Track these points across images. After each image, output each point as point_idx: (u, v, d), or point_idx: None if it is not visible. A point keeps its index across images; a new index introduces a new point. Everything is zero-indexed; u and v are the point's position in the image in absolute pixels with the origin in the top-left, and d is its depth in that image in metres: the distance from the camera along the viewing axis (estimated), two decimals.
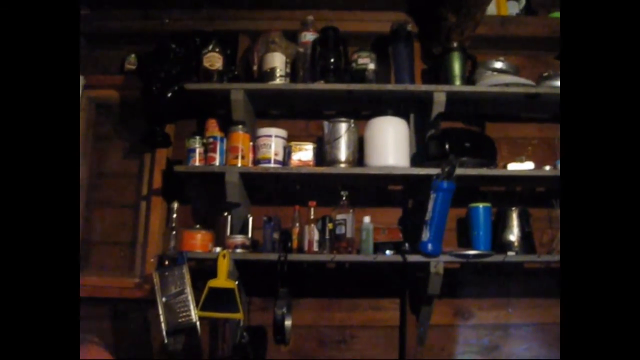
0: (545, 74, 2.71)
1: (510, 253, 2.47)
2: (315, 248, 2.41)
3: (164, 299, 2.33)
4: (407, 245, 2.42)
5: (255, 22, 2.88)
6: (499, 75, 2.63)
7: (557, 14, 2.94)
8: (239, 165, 2.46)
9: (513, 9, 2.94)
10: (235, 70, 2.75)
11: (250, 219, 2.52)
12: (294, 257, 2.38)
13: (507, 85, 2.56)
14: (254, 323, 2.58)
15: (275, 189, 2.73)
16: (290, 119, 2.81)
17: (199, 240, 2.46)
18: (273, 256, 2.37)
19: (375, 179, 2.55)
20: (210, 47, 2.61)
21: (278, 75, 2.57)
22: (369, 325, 2.71)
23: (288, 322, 2.37)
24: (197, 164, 2.53)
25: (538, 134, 2.91)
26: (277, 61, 2.59)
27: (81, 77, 2.89)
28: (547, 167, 2.55)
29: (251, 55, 2.73)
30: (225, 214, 2.52)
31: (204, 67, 2.59)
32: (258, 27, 2.81)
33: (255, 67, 2.69)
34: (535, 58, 2.98)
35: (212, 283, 2.33)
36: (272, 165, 2.48)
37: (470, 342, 2.73)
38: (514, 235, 2.56)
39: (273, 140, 2.51)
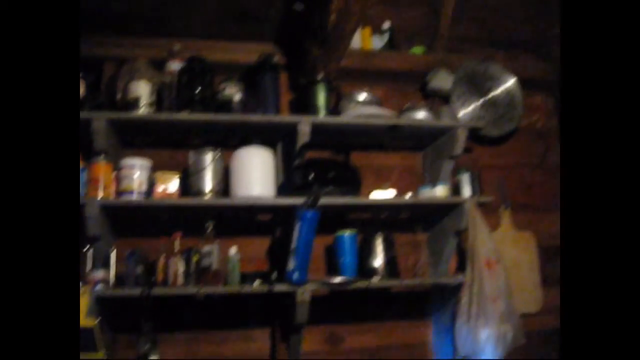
0: (407, 106, 2.86)
1: (374, 278, 2.55)
2: (181, 281, 2.36)
3: None
4: (274, 274, 2.44)
5: (122, 48, 2.80)
6: (362, 106, 2.73)
7: (417, 49, 3.12)
8: (100, 197, 2.37)
9: (377, 44, 3.08)
10: (100, 98, 2.65)
11: (114, 253, 2.43)
12: (158, 291, 2.32)
13: (369, 116, 2.66)
14: None
15: (140, 220, 2.65)
16: (157, 148, 2.75)
17: None
18: (136, 291, 2.29)
19: (242, 209, 2.55)
20: None
21: (142, 104, 2.51)
22: (240, 357, 2.67)
23: (153, 358, 2.31)
24: None
25: (401, 162, 3.05)
26: (142, 90, 2.53)
27: None
28: (409, 195, 2.67)
29: (116, 83, 2.65)
30: (86, 248, 2.41)
31: None
32: (124, 54, 2.74)
33: (119, 95, 2.61)
34: (397, 90, 3.13)
35: None
36: (135, 196, 2.41)
37: None
38: (378, 261, 2.64)
39: (137, 170, 2.43)
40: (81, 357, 2.26)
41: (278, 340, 2.67)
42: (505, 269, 2.62)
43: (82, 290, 2.25)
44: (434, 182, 2.81)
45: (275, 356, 2.65)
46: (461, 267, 2.79)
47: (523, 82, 3.20)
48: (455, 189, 2.85)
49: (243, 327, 2.70)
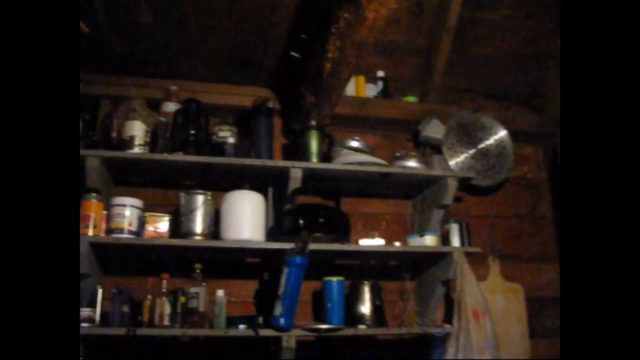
0: (398, 154, 2.89)
1: (361, 326, 2.55)
2: (167, 322, 2.35)
3: None
4: (260, 319, 2.43)
5: (118, 87, 2.84)
6: (354, 154, 2.76)
7: (410, 98, 3.17)
8: (90, 234, 2.37)
9: (371, 92, 3.13)
10: (94, 136, 2.68)
11: (100, 291, 2.41)
12: (143, 331, 2.30)
13: (361, 164, 2.69)
14: None
15: (128, 259, 2.64)
16: (149, 187, 2.76)
17: None
18: (120, 331, 2.28)
19: (231, 251, 2.56)
20: None
21: (137, 143, 2.53)
22: None
23: None
24: None
25: (391, 209, 3.07)
26: (137, 129, 2.56)
27: None
28: (397, 243, 2.68)
29: (111, 122, 2.68)
30: None
31: None
32: (120, 93, 2.78)
33: (114, 134, 2.64)
34: (390, 138, 3.18)
35: None
36: (125, 235, 2.41)
37: None
38: (366, 308, 2.64)
39: (128, 209, 2.44)
40: None
41: None
42: (492, 321, 2.63)
43: None
44: (423, 231, 2.83)
45: None
46: (449, 317, 2.78)
47: (514, 134, 3.25)
48: (445, 239, 2.87)
49: None
